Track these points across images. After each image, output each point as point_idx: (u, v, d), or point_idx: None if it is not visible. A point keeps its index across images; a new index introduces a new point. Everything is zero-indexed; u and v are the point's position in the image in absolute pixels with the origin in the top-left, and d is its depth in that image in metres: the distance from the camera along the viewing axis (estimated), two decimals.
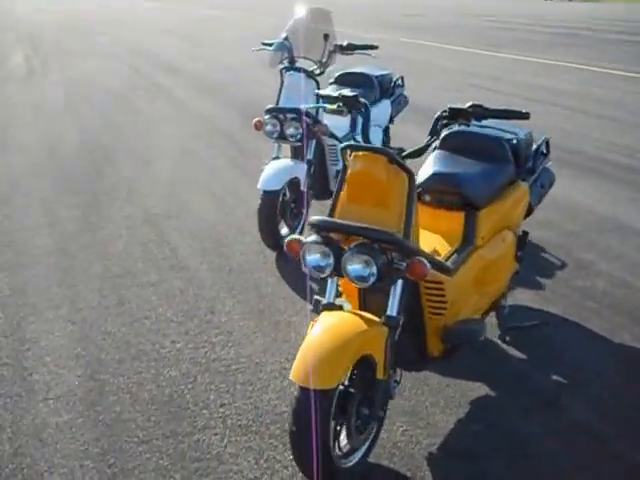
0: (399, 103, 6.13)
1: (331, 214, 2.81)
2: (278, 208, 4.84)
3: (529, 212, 3.95)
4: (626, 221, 5.73)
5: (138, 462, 3.05)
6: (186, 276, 4.80)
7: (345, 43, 5.46)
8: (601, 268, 4.85)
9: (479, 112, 2.98)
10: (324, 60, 5.28)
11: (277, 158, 4.99)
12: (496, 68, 14.12)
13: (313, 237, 2.73)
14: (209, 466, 3.00)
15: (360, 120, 3.03)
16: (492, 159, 3.60)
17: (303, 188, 4.90)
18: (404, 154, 2.88)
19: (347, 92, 3.14)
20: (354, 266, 2.65)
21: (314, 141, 4.91)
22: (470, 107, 2.99)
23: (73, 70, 14.77)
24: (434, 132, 3.02)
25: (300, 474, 2.83)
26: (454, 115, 3.00)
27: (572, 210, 5.96)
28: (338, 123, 5.43)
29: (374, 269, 2.61)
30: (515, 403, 3.36)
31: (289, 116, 4.78)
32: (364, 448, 2.90)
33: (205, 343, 3.95)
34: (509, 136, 3.76)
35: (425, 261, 2.63)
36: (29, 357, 3.89)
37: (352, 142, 2.89)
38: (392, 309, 2.73)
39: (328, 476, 2.64)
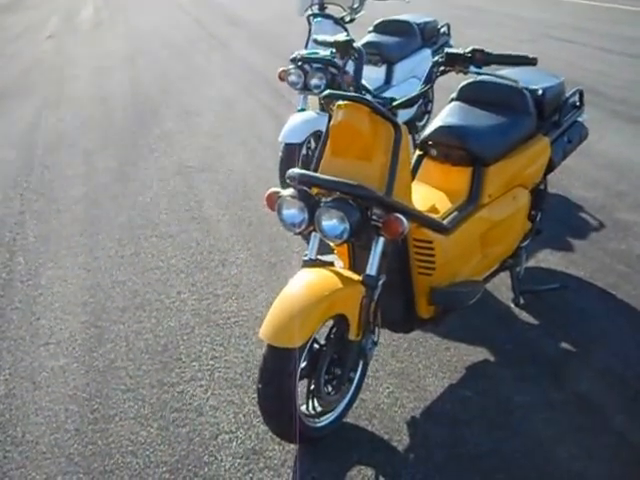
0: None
1: (315, 168, 2.72)
2: (300, 161, 4.73)
3: (551, 168, 3.67)
4: None
5: (120, 409, 3.06)
6: (206, 228, 4.78)
7: None
8: None
9: (479, 57, 2.74)
10: (355, 6, 5.11)
11: (302, 110, 4.88)
12: (576, 16, 13.30)
13: (290, 191, 2.64)
14: (187, 417, 2.99)
15: (353, 66, 2.89)
16: (510, 111, 3.37)
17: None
18: (394, 104, 2.72)
19: (341, 37, 3.00)
20: (327, 222, 2.55)
21: None
22: (469, 52, 2.76)
23: (138, 22, 14.85)
24: (429, 80, 2.82)
25: None
26: (451, 61, 2.78)
27: (624, 169, 5.61)
28: (371, 74, 5.30)
29: (347, 225, 2.50)
30: (514, 371, 3.19)
31: (314, 66, 4.65)
32: (338, 410, 2.83)
33: (209, 295, 3.93)
34: (535, 86, 3.51)
35: (402, 218, 2.49)
36: (40, 302, 3.94)
37: (334, 91, 2.74)
38: (371, 268, 2.61)
39: (295, 434, 2.58)
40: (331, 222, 2.55)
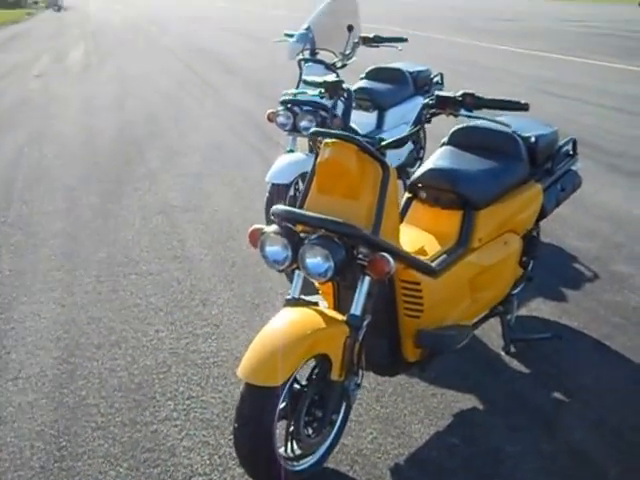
0: None
1: (301, 205, 2.63)
2: (287, 202, 4.64)
3: (543, 215, 3.60)
4: None
5: (89, 447, 2.91)
6: (187, 267, 4.65)
7: (372, 35, 5.26)
8: (638, 283, 4.40)
9: (470, 101, 2.70)
10: (347, 52, 5.09)
11: (291, 151, 4.81)
12: (574, 74, 13.42)
13: (273, 227, 2.55)
14: (160, 457, 2.84)
15: (342, 107, 2.84)
16: (502, 156, 3.32)
17: None
18: (382, 144, 2.66)
19: (330, 78, 2.95)
20: (311, 260, 2.46)
21: None
22: (460, 95, 2.72)
23: (129, 67, 14.89)
24: (418, 121, 2.77)
25: None
26: (442, 103, 2.73)
27: (621, 221, 5.53)
28: (363, 119, 5.25)
29: (331, 263, 2.41)
30: (504, 420, 3.06)
31: (304, 108, 4.59)
32: (319, 454, 2.69)
33: (188, 334, 3.79)
34: (527, 134, 3.47)
35: (388, 257, 2.40)
36: (11, 336, 3.80)
37: (321, 129, 2.68)
38: (356, 307, 2.51)
39: (272, 477, 2.44)
40: (315, 260, 2.46)
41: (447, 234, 3.09)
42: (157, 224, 5.48)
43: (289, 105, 4.66)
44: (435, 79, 5.96)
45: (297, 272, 2.62)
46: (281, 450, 2.53)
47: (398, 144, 2.69)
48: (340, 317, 2.51)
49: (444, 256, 2.97)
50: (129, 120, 9.60)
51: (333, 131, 2.62)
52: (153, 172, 6.98)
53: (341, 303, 2.77)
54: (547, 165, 3.62)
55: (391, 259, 2.41)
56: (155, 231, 5.33)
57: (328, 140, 2.57)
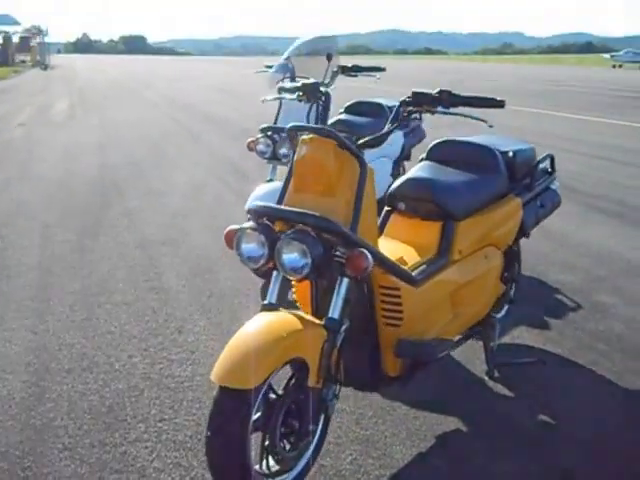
0: (415, 136, 5.86)
1: (279, 202, 2.56)
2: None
3: (523, 231, 3.56)
4: None
5: (55, 468, 2.76)
6: (164, 298, 4.54)
7: (350, 64, 5.25)
8: (621, 312, 4.32)
9: (447, 98, 2.66)
10: (326, 81, 5.06)
11: (271, 180, 4.76)
12: (564, 127, 13.61)
13: (249, 224, 2.46)
14: (128, 478, 2.70)
15: (319, 110, 2.79)
16: (481, 169, 3.28)
17: None
18: (360, 142, 2.61)
19: (307, 81, 2.91)
20: (288, 255, 2.37)
21: None
22: (437, 92, 2.68)
23: (113, 117, 14.92)
24: (395, 119, 2.73)
25: None
26: (418, 101, 2.70)
27: (603, 257, 5.50)
28: None
29: (308, 259, 2.32)
30: (489, 442, 2.94)
31: (283, 135, 4.56)
32: (296, 470, 2.56)
33: (163, 360, 3.67)
34: (505, 149, 3.45)
35: (366, 253, 2.33)
36: None
37: (299, 123, 2.63)
38: (334, 311, 2.42)
39: None
40: (292, 255, 2.37)
41: (427, 245, 3.02)
42: (134, 258, 5.38)
43: (269, 133, 4.62)
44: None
45: (274, 275, 2.54)
46: (256, 467, 2.40)
47: (375, 142, 2.66)
48: (318, 321, 2.42)
49: (424, 266, 2.90)
50: (110, 164, 9.55)
51: (312, 125, 2.57)
52: (132, 211, 6.90)
53: (319, 309, 2.65)
54: (526, 180, 3.59)
55: (369, 255, 2.33)
56: (132, 264, 5.23)
57: (306, 136, 2.51)
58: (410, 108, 2.74)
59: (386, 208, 3.20)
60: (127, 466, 2.77)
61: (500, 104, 2.66)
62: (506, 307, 3.70)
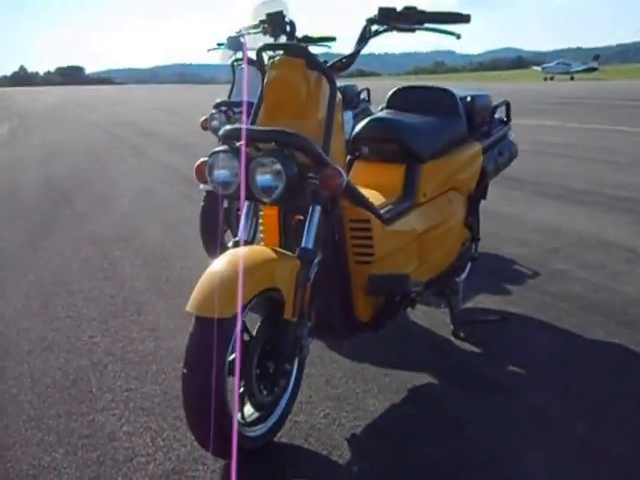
0: (364, 117, 5.89)
1: None
2: (222, 215, 4.51)
3: (484, 177, 3.59)
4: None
5: (21, 437, 2.67)
6: (120, 285, 4.46)
7: (300, 35, 5.21)
8: (579, 276, 4.40)
9: (413, 15, 2.61)
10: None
11: None
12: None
13: (222, 147, 2.41)
14: (98, 442, 2.62)
15: (287, 36, 2.77)
16: (441, 113, 3.31)
17: None
18: (329, 64, 2.57)
19: (271, 10, 2.87)
20: (262, 176, 2.33)
21: None
22: (404, 8, 2.63)
23: (54, 136, 14.74)
24: (362, 39, 2.67)
25: (198, 451, 2.46)
26: (385, 17, 2.63)
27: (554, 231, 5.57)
28: None
29: (283, 178, 2.29)
30: (462, 392, 2.93)
31: (237, 110, 4.51)
32: (274, 418, 2.52)
33: (124, 338, 3.60)
34: (462, 94, 3.49)
35: (341, 170, 2.32)
36: None
37: (271, 43, 2.60)
38: (307, 241, 2.38)
39: (223, 440, 2.25)
40: (266, 176, 2.33)
41: (392, 188, 3.02)
42: (87, 252, 5.29)
43: (223, 108, 4.57)
44: (362, 95, 6.04)
45: (245, 208, 2.50)
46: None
47: (344, 64, 2.62)
48: (289, 254, 2.39)
49: (390, 207, 2.90)
50: (55, 176, 9.43)
51: (282, 43, 2.55)
52: (81, 213, 6.80)
53: (287, 243, 2.61)
54: (484, 127, 3.65)
55: (343, 172, 2.32)
56: (85, 258, 5.14)
57: (275, 59, 2.49)
58: (376, 27, 2.67)
59: (348, 157, 3.18)
60: (96, 432, 2.70)
61: (465, 19, 2.63)
62: (469, 266, 3.72)
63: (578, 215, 6.17)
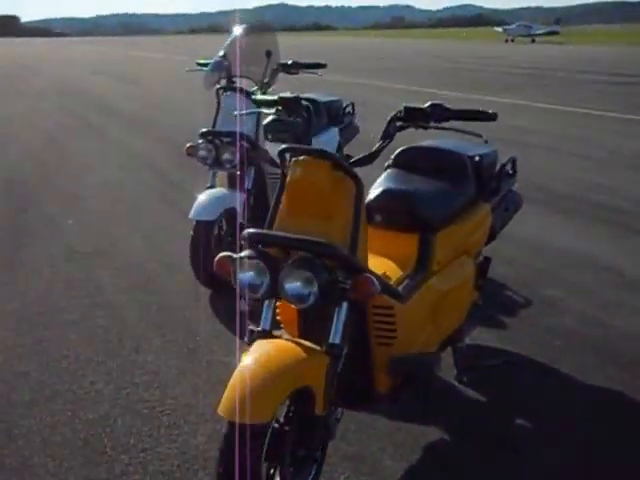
0: (349, 131, 5.86)
1: (269, 228, 2.51)
2: (213, 241, 4.50)
3: (492, 237, 3.62)
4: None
5: None
6: (110, 314, 4.42)
7: (290, 61, 5.16)
8: (570, 304, 4.51)
9: (439, 112, 2.66)
10: (266, 80, 4.93)
11: (212, 187, 4.68)
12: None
13: (247, 251, 2.41)
14: None
15: (305, 123, 2.75)
16: (450, 177, 3.29)
17: (241, 220, 4.37)
18: (352, 160, 2.59)
19: (287, 94, 2.85)
20: (293, 284, 2.32)
21: (253, 168, 4.58)
22: (429, 107, 2.67)
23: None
24: (387, 135, 2.69)
25: None
26: (410, 116, 2.68)
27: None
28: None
29: (315, 287, 2.29)
30: (475, 449, 3.02)
31: (225, 140, 4.47)
32: None
33: (128, 384, 3.58)
34: (471, 153, 3.45)
35: (374, 279, 2.34)
36: None
37: (293, 145, 2.57)
38: (335, 336, 2.39)
39: None
40: (297, 284, 2.32)
41: (405, 258, 3.02)
42: (68, 272, 5.21)
43: (209, 137, 4.53)
44: (347, 109, 5.97)
45: (267, 304, 2.49)
46: None
47: (368, 160, 2.62)
48: (318, 348, 2.39)
49: (407, 281, 2.91)
50: (14, 165, 9.19)
51: (306, 147, 2.53)
52: (50, 217, 6.70)
53: (307, 333, 2.60)
54: (492, 185, 3.61)
55: (375, 280, 2.34)
56: (67, 279, 5.05)
57: (299, 158, 2.46)
58: (401, 123, 2.71)
59: None
60: None
61: (492, 117, 2.66)
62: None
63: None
